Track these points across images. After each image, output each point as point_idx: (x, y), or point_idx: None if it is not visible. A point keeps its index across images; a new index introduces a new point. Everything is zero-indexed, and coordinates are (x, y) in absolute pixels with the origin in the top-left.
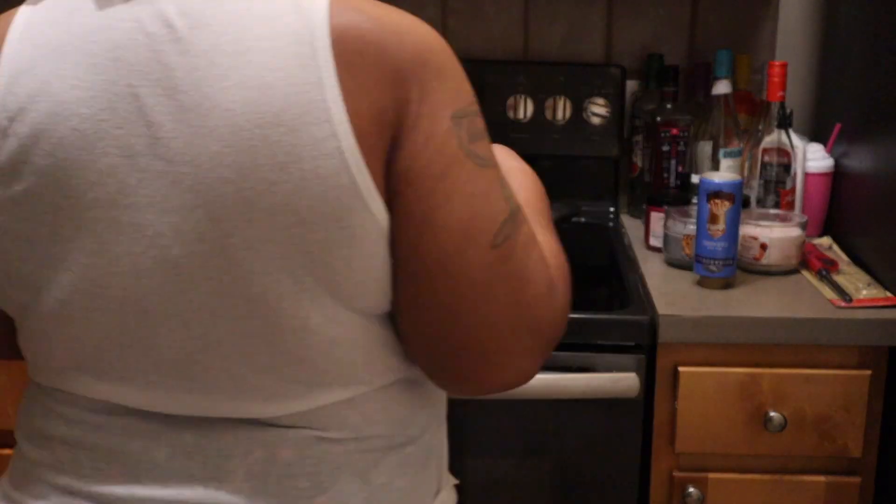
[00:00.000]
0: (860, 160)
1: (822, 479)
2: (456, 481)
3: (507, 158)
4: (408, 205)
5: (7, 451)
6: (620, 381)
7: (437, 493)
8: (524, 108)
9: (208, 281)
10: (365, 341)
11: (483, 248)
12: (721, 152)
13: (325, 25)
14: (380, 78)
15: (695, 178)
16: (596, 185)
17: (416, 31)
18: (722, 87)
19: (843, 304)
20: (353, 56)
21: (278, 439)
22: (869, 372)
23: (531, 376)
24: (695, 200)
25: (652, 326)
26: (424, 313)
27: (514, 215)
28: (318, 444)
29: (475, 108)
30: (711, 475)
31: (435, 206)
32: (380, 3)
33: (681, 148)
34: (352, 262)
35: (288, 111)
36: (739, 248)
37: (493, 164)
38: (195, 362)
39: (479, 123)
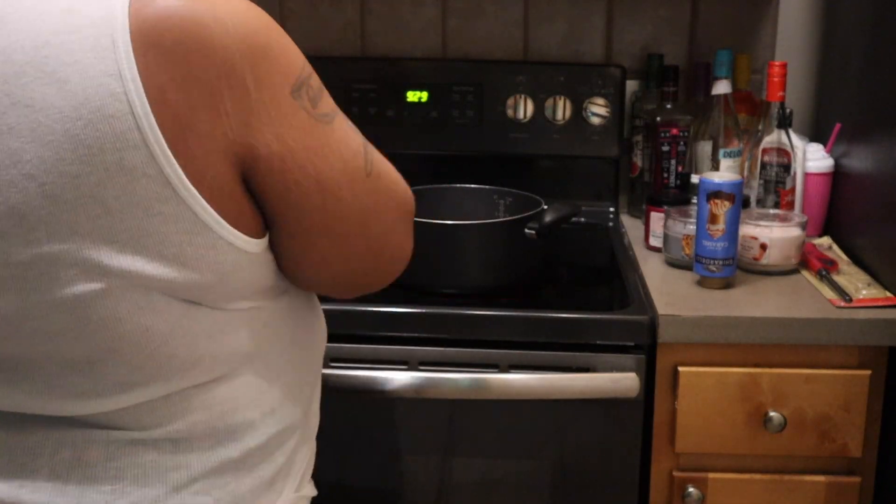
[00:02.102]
0: (860, 160)
1: (822, 479)
2: (314, 493)
3: None
4: (287, 182)
5: None
6: (620, 381)
7: None
8: (524, 108)
9: (14, 277)
10: (186, 332)
11: (362, 180)
12: (721, 152)
13: (126, 15)
14: (206, 67)
15: (695, 178)
16: (596, 185)
17: (234, 13)
18: (722, 87)
19: (842, 304)
20: (170, 45)
21: (87, 439)
22: (869, 372)
23: (410, 256)
24: (695, 200)
25: (652, 326)
26: (333, 260)
27: (365, 142)
28: (129, 446)
29: (307, 69)
30: (711, 475)
31: (317, 172)
32: None
33: (681, 148)
34: (165, 249)
35: (86, 105)
36: (739, 248)
37: (337, 112)
38: (7, 358)
39: (315, 83)
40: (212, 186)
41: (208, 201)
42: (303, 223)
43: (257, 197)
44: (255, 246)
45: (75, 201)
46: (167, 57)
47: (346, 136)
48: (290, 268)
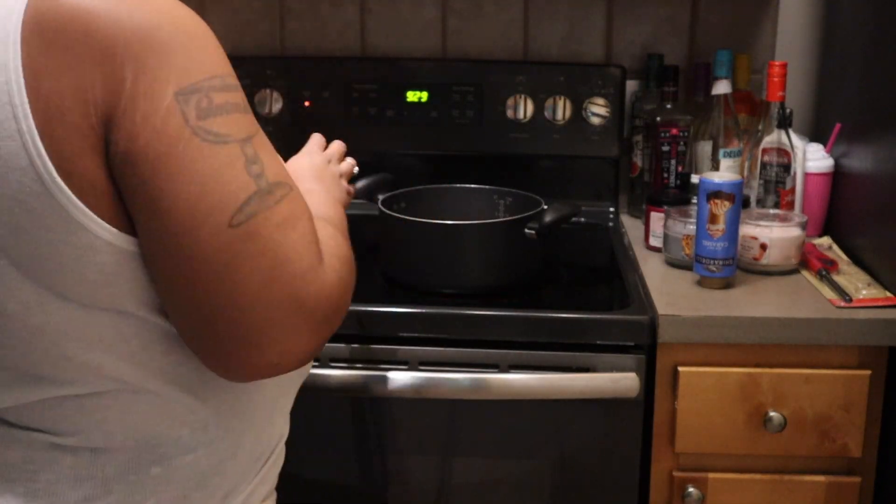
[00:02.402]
0: (860, 160)
1: (822, 479)
2: None
3: (308, 180)
4: (134, 187)
5: None
6: (620, 381)
7: None
8: (524, 108)
9: None
10: (81, 337)
11: (218, 228)
12: (721, 152)
13: (23, 6)
14: (83, 56)
15: (695, 178)
16: (596, 185)
17: (142, 8)
18: (722, 87)
19: (842, 303)
20: (52, 34)
21: (11, 439)
22: (869, 372)
23: (304, 358)
24: (695, 200)
25: (652, 326)
26: (175, 295)
27: (266, 193)
28: (47, 450)
29: (217, 82)
30: (711, 475)
31: (159, 187)
32: None
33: (681, 148)
34: (41, 247)
35: None
36: (739, 248)
37: (235, 140)
38: None
39: (220, 99)
40: (82, 182)
41: (79, 197)
42: (148, 235)
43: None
44: (119, 239)
45: None
46: (48, 45)
47: (227, 169)
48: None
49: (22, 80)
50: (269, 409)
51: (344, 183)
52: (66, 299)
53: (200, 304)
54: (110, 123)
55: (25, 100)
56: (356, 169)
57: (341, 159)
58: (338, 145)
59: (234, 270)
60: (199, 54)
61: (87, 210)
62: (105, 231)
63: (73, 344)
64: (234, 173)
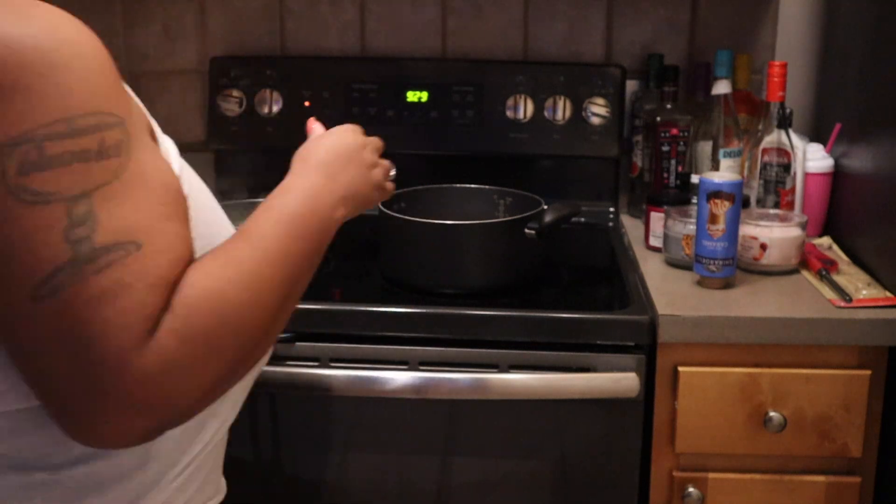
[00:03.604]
0: (860, 160)
1: (822, 479)
2: None
3: (291, 173)
4: None
5: None
6: (620, 381)
7: None
8: (524, 108)
9: None
10: None
11: (18, 300)
12: (721, 152)
13: None
14: None
15: (695, 178)
16: (596, 185)
17: (13, 38)
18: (722, 87)
19: (842, 303)
20: None
21: None
22: (869, 372)
23: (136, 438)
24: (695, 200)
25: (652, 326)
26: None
27: (83, 262)
28: None
29: (60, 127)
30: (711, 475)
31: None
32: None
33: (681, 148)
34: None
35: None
36: (739, 248)
37: (61, 199)
38: None
39: (54, 149)
40: None
41: None
42: None
43: None
44: None
45: None
46: None
47: (38, 234)
48: None
49: None
50: (200, 432)
51: (378, 174)
52: None
53: (26, 376)
54: None
55: None
56: (393, 171)
57: (378, 155)
58: (378, 140)
59: (38, 348)
60: (50, 92)
61: None
62: None
63: None
64: (46, 238)
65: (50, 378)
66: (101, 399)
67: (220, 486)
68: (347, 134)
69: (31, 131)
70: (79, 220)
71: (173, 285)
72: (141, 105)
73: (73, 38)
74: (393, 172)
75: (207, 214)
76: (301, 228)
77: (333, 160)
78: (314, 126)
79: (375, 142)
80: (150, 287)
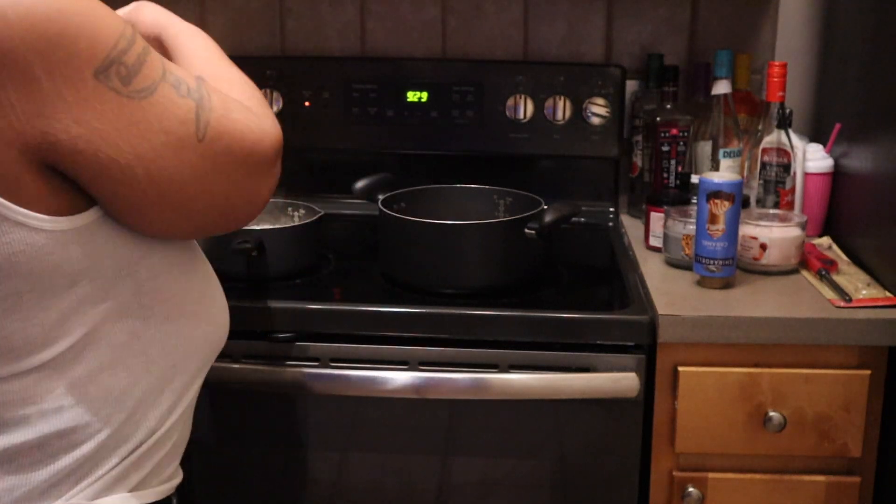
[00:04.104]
0: (860, 160)
1: (821, 479)
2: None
3: (172, 24)
4: (95, 168)
5: None
6: (620, 381)
7: None
8: (524, 108)
9: None
10: None
11: (193, 147)
12: (721, 152)
13: None
14: None
15: (694, 178)
16: (596, 185)
17: (22, 2)
18: (722, 87)
19: (842, 303)
20: None
21: None
22: (869, 372)
23: (270, 195)
24: (694, 200)
25: (652, 326)
26: (160, 223)
27: (201, 100)
28: None
29: (121, 45)
30: (711, 475)
31: (132, 150)
32: None
33: (680, 148)
34: None
35: None
36: (739, 248)
37: (159, 81)
38: None
39: (131, 59)
40: (9, 185)
41: (10, 199)
42: (132, 198)
43: (76, 179)
44: (59, 223)
45: None
46: None
47: (170, 105)
48: (132, 226)
49: None
50: (139, 385)
51: None
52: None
53: (205, 212)
54: (40, 118)
55: None
56: None
57: None
58: None
59: (218, 169)
60: (95, 25)
61: (18, 209)
62: (13, 213)
63: None
64: (175, 103)
65: (230, 185)
66: (264, 166)
67: (175, 476)
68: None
69: (108, 54)
70: (176, 83)
71: None
72: None
73: None
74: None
75: None
76: (213, 48)
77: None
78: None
79: None
80: (233, 98)
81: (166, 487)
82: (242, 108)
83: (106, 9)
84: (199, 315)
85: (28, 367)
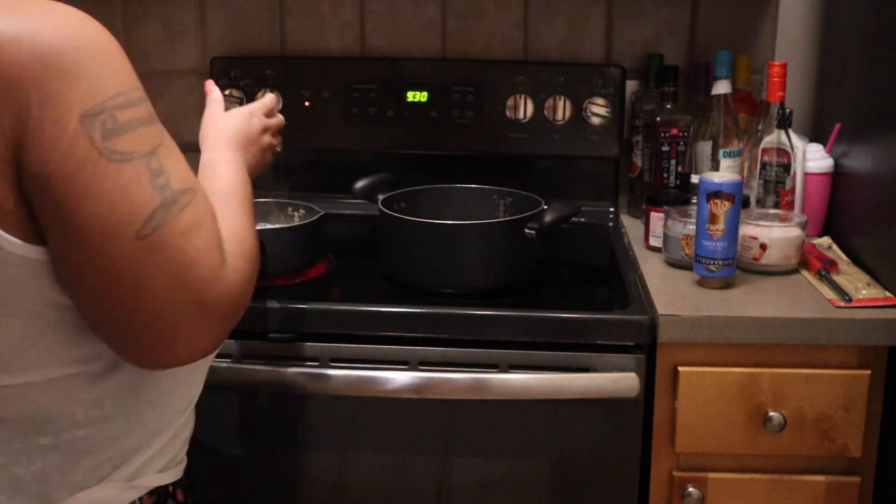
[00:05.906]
0: (860, 160)
1: (821, 479)
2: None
3: (213, 149)
4: (46, 206)
5: None
6: (620, 381)
7: None
8: (524, 108)
9: None
10: None
11: (127, 241)
12: (721, 152)
13: None
14: None
15: (695, 178)
16: (596, 185)
17: (41, 33)
18: (722, 87)
19: (842, 303)
20: None
21: None
22: (869, 372)
23: (210, 349)
24: (694, 200)
25: (652, 326)
26: (88, 301)
27: (170, 204)
28: None
29: (120, 100)
30: (711, 475)
31: (71, 207)
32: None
33: (680, 148)
34: None
35: None
36: (739, 248)
37: (140, 156)
38: None
39: (124, 116)
40: None
41: None
42: (61, 249)
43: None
44: (28, 251)
45: None
46: None
47: (134, 185)
48: (65, 285)
49: None
50: (169, 390)
51: (267, 137)
52: None
53: (113, 309)
54: (20, 149)
55: None
56: (279, 148)
57: (271, 114)
58: (270, 99)
59: (143, 279)
60: (104, 73)
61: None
62: (16, 246)
63: None
64: (140, 188)
65: (148, 304)
66: (197, 312)
67: (185, 459)
68: (252, 119)
69: (103, 103)
70: (156, 172)
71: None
72: None
73: (100, 29)
74: (279, 149)
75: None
76: (243, 194)
77: (245, 140)
78: (212, 88)
79: (267, 105)
80: (213, 221)
81: (182, 467)
82: (214, 246)
83: (124, 62)
84: None
85: (76, 370)
